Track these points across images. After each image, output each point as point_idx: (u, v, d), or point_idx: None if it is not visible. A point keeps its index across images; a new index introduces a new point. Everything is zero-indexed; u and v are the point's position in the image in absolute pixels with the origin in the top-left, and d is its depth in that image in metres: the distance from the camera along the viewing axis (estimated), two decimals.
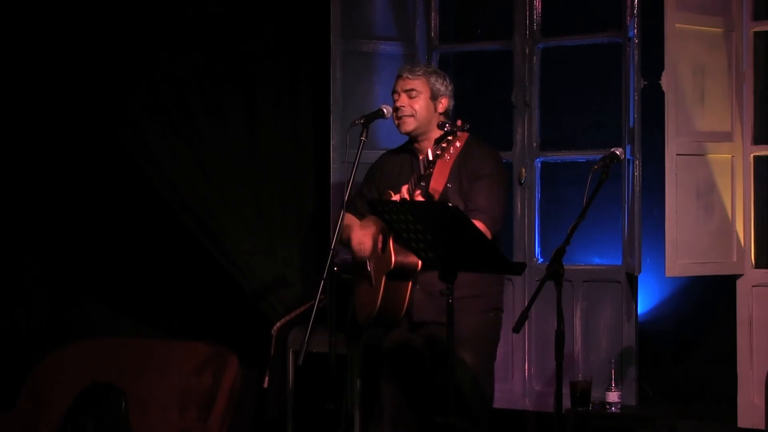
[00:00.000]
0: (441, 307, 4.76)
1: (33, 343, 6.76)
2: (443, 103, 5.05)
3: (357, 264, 5.04)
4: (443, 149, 4.69)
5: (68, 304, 6.90)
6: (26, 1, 6.43)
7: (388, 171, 5.14)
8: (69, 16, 6.32)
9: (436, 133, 4.95)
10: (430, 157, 4.72)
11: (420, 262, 4.79)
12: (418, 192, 4.76)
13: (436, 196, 4.87)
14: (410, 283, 4.84)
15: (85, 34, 6.32)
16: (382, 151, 5.38)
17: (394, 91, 5.09)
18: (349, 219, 5.10)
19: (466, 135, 4.95)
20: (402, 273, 4.80)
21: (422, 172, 4.81)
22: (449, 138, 4.69)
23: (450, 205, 4.38)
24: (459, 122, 4.70)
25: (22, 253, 6.88)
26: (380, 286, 4.80)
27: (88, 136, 6.70)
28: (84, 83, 6.37)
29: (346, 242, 5.03)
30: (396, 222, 4.46)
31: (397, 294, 4.81)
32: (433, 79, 5.04)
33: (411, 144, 5.13)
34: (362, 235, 4.97)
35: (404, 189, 4.83)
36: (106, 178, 6.79)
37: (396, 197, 4.83)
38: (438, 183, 4.87)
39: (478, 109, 6.59)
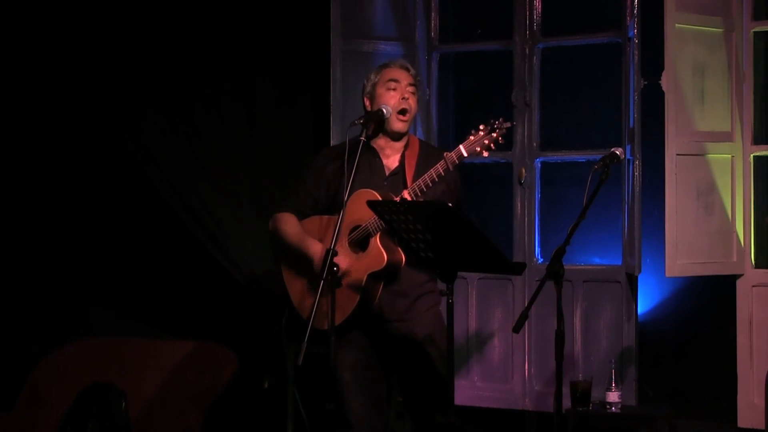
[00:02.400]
0: (402, 307, 4.81)
1: (33, 343, 6.75)
2: None
3: (306, 268, 4.87)
4: (483, 146, 4.56)
5: (68, 304, 6.90)
6: (27, 1, 6.43)
7: (337, 168, 4.88)
8: (68, 15, 6.32)
9: (404, 140, 4.91)
10: (465, 154, 4.59)
11: (404, 259, 4.75)
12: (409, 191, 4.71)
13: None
14: (382, 282, 4.80)
15: (85, 34, 6.32)
16: None
17: (392, 79, 4.84)
18: (293, 222, 4.89)
19: (416, 139, 4.92)
20: (389, 271, 4.77)
21: (450, 168, 4.63)
22: (493, 135, 4.56)
23: (450, 205, 4.38)
24: (501, 120, 4.58)
25: (22, 253, 6.87)
26: (360, 286, 4.76)
27: (87, 137, 6.70)
28: (83, 83, 6.37)
29: (301, 252, 4.83)
30: (396, 222, 4.45)
31: (370, 292, 4.78)
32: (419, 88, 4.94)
33: (366, 142, 4.82)
34: (347, 263, 4.79)
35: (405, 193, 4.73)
36: (105, 178, 6.79)
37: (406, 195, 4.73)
38: (408, 182, 4.83)
39: (478, 109, 6.60)
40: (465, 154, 4.60)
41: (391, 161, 4.90)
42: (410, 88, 4.85)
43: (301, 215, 4.93)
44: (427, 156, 4.82)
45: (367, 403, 4.91)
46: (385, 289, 4.78)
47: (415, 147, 4.93)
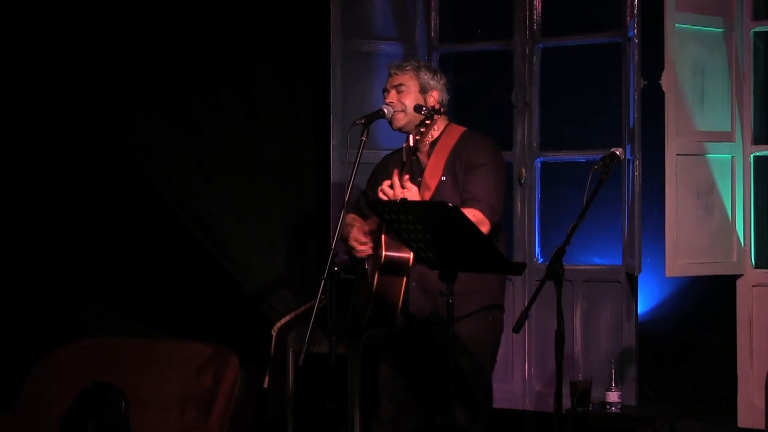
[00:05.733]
0: (437, 305, 4.77)
1: (33, 343, 6.75)
2: (434, 97, 4.99)
3: (356, 263, 5.02)
4: (422, 134, 4.74)
5: (68, 304, 6.90)
6: (26, 1, 6.43)
7: (390, 170, 5.03)
8: (68, 15, 6.32)
9: (434, 134, 4.96)
10: (411, 143, 4.75)
11: (412, 257, 4.75)
12: (407, 177, 4.74)
13: (432, 189, 4.85)
14: (405, 279, 4.79)
15: (85, 32, 6.31)
16: (383, 151, 5.37)
17: (384, 89, 5.07)
18: (353, 218, 5.07)
19: (461, 128, 4.98)
20: (393, 267, 4.77)
21: (404, 158, 4.80)
22: (427, 122, 4.74)
23: (450, 204, 4.38)
24: (437, 105, 4.77)
25: (22, 253, 6.87)
26: (374, 282, 4.78)
27: (87, 136, 6.70)
28: (83, 82, 6.37)
29: (345, 239, 5.01)
30: (396, 222, 4.46)
31: (391, 290, 4.78)
32: (422, 74, 5.00)
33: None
34: (358, 233, 4.95)
35: (395, 173, 4.80)
36: (105, 178, 6.79)
37: (387, 183, 4.78)
38: (433, 176, 4.86)
39: (478, 109, 6.60)
40: (411, 144, 4.78)
41: (424, 157, 4.96)
42: (400, 88, 5.00)
43: (363, 216, 5.06)
44: (464, 145, 4.93)
45: (395, 400, 4.97)
46: (417, 287, 4.81)
47: (452, 139, 4.97)
